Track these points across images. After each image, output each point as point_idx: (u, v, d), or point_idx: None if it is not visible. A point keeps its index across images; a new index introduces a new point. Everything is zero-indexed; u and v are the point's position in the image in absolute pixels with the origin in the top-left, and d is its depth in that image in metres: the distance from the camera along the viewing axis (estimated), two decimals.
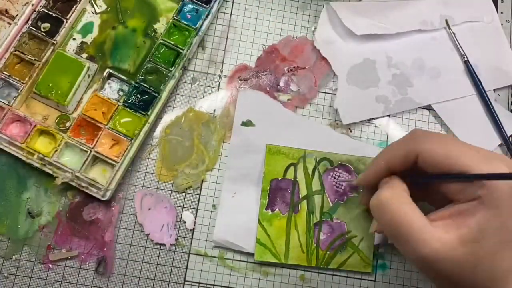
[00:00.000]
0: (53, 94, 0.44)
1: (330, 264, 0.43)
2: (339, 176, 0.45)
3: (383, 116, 0.48)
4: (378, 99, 0.48)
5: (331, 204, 0.44)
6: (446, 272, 0.30)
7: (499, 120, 0.47)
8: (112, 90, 0.46)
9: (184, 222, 0.44)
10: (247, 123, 0.46)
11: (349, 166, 0.45)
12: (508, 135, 0.47)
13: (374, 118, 0.48)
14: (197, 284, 0.43)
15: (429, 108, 0.48)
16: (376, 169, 0.35)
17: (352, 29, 0.47)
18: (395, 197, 0.32)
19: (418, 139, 0.33)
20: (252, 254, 0.43)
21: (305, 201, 0.44)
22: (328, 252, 0.43)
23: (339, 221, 0.44)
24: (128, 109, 0.44)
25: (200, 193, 0.45)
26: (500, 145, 0.48)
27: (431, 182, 0.34)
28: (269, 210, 0.44)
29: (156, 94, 0.45)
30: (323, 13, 0.49)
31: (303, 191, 0.44)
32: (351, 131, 0.47)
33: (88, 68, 0.45)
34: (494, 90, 0.49)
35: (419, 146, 0.32)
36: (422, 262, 0.30)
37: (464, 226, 0.30)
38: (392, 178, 0.35)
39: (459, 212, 0.31)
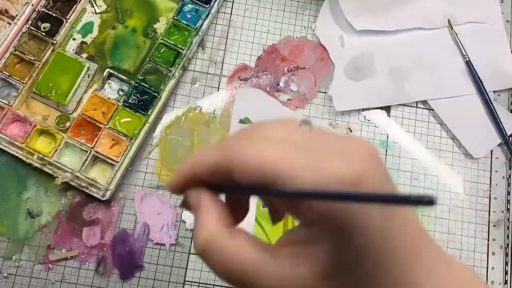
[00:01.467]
0: (53, 94, 0.44)
1: None
2: None
3: (377, 108, 0.48)
4: (373, 90, 0.48)
5: None
6: None
7: (499, 120, 0.47)
8: (112, 90, 0.46)
9: (184, 222, 0.44)
10: (245, 121, 0.46)
11: None
12: (508, 135, 0.47)
13: (371, 109, 0.48)
14: (197, 284, 0.43)
15: (429, 108, 0.48)
16: (183, 176, 0.25)
17: (353, 24, 0.48)
18: (212, 242, 0.23)
19: (229, 146, 0.23)
20: None
21: None
22: None
23: None
24: (128, 109, 0.44)
25: None
26: (499, 145, 0.48)
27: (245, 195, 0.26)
28: (266, 208, 0.44)
29: (156, 94, 0.45)
30: (326, 3, 0.49)
31: None
32: (351, 131, 0.47)
33: (88, 68, 0.45)
34: (494, 91, 0.49)
35: (229, 156, 0.23)
36: None
37: (314, 258, 0.22)
38: (202, 198, 0.25)
39: (305, 239, 0.22)
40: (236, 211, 0.26)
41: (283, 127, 0.23)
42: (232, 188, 0.24)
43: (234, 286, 0.24)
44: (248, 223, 0.44)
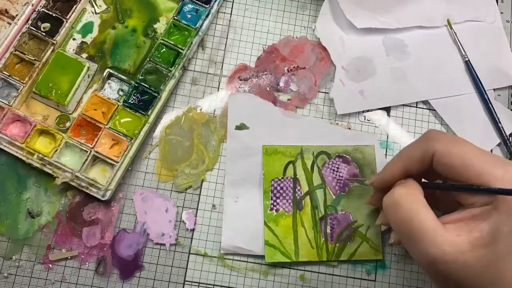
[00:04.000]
0: (53, 94, 0.44)
1: (340, 256, 0.43)
2: (338, 168, 0.45)
3: (378, 109, 0.48)
4: (374, 91, 0.48)
5: (333, 197, 0.44)
6: (454, 276, 0.30)
7: (499, 120, 0.47)
8: (112, 90, 0.46)
9: (184, 222, 0.44)
10: (241, 127, 0.46)
11: (347, 156, 0.45)
12: (508, 135, 0.47)
13: (369, 110, 0.48)
14: (197, 284, 0.43)
15: (429, 108, 0.49)
16: (393, 170, 0.35)
17: (353, 22, 0.48)
18: (410, 196, 0.32)
19: (433, 139, 0.33)
20: (256, 255, 0.43)
21: (308, 197, 0.44)
22: (337, 245, 0.43)
23: (343, 212, 0.44)
24: (128, 109, 0.44)
25: (200, 193, 0.45)
26: (499, 145, 0.48)
27: (446, 190, 0.34)
28: (274, 211, 0.44)
29: (156, 94, 0.45)
30: (325, 3, 0.49)
31: (304, 188, 0.44)
32: (350, 129, 0.47)
33: (88, 68, 0.45)
34: (494, 89, 0.49)
35: (435, 146, 0.32)
36: (430, 263, 0.30)
37: (476, 230, 0.30)
38: (408, 179, 0.34)
39: (471, 216, 0.31)
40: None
41: (465, 140, 0.33)
42: (432, 183, 0.34)
43: (404, 237, 0.32)
44: (257, 227, 0.44)
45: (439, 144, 0.32)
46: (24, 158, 0.43)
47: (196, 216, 0.45)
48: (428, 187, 0.34)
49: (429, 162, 0.33)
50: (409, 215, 0.31)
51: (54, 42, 0.45)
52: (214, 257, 0.44)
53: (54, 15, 0.46)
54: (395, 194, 0.33)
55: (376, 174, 0.38)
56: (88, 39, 0.47)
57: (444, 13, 0.50)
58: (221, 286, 0.43)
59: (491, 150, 0.48)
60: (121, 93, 0.46)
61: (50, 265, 0.43)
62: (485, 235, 0.29)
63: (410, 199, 0.32)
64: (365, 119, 0.48)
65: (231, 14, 0.50)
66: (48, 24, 0.46)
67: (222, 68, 0.48)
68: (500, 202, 0.29)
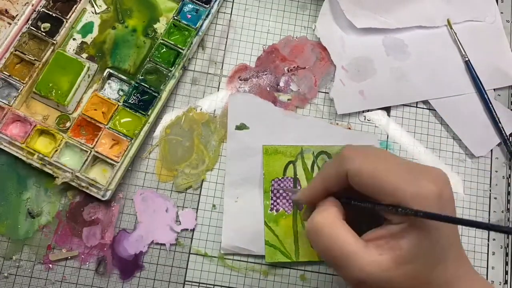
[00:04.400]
0: (53, 94, 0.44)
1: None
2: None
3: (378, 109, 0.48)
4: (374, 91, 0.48)
5: None
6: None
7: (499, 120, 0.47)
8: (112, 90, 0.46)
9: (184, 222, 0.44)
10: (241, 127, 0.46)
11: None
12: (508, 134, 0.47)
13: (369, 110, 0.48)
14: (197, 284, 0.43)
15: (429, 108, 0.49)
16: (314, 188, 0.34)
17: (353, 22, 0.48)
18: (328, 222, 0.32)
19: (346, 158, 0.32)
20: (256, 255, 0.43)
21: None
22: None
23: None
24: (128, 109, 0.44)
25: (200, 193, 0.45)
26: (499, 145, 0.48)
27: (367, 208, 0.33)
28: (274, 211, 0.44)
29: (156, 94, 0.45)
30: (325, 3, 0.49)
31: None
32: (350, 129, 0.47)
33: (88, 68, 0.45)
34: (494, 89, 0.49)
35: (348, 165, 0.31)
36: (359, 285, 0.30)
37: (397, 247, 0.30)
38: (326, 201, 0.34)
39: (391, 233, 0.30)
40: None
41: (385, 151, 0.33)
42: (352, 199, 0.33)
43: (329, 263, 0.32)
44: (257, 227, 0.44)
45: (351, 163, 0.31)
46: (24, 158, 0.43)
47: (196, 216, 0.44)
48: (350, 204, 0.34)
49: (344, 180, 0.32)
50: (330, 241, 0.31)
51: (54, 42, 0.45)
52: (214, 257, 0.44)
53: (54, 15, 0.46)
54: (314, 220, 0.32)
55: (300, 190, 0.37)
56: (88, 39, 0.47)
57: (444, 13, 0.50)
58: (221, 286, 0.43)
59: (491, 150, 0.48)
60: (121, 93, 0.46)
61: (50, 265, 0.43)
62: (405, 252, 0.29)
63: (328, 225, 0.31)
64: (365, 119, 0.48)
65: (231, 14, 0.50)
66: (48, 24, 0.46)
67: (222, 68, 0.48)
68: (415, 219, 0.29)
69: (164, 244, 0.44)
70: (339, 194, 0.34)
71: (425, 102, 0.49)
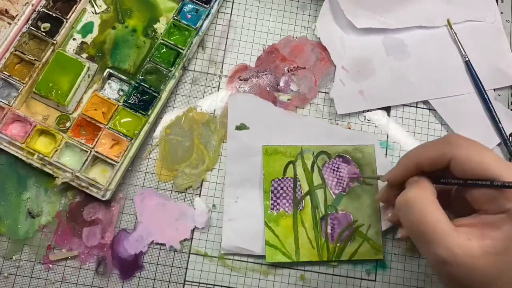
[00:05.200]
0: (53, 94, 0.44)
1: (341, 256, 0.43)
2: (338, 168, 0.45)
3: (378, 109, 0.48)
4: (374, 91, 0.48)
5: (334, 197, 0.44)
6: (462, 278, 0.30)
7: (499, 120, 0.47)
8: (112, 90, 0.46)
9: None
10: (241, 127, 0.46)
11: (347, 156, 0.45)
12: (508, 135, 0.47)
13: (369, 110, 0.48)
14: (197, 284, 0.43)
15: (429, 108, 0.49)
16: (405, 167, 0.36)
17: (353, 22, 0.48)
18: (423, 197, 0.32)
19: (453, 143, 0.33)
20: (256, 255, 0.43)
21: (308, 197, 0.44)
22: (338, 244, 0.43)
23: (344, 212, 0.44)
24: (128, 109, 0.44)
25: (200, 193, 0.45)
26: (499, 145, 0.48)
27: (460, 188, 0.34)
28: (274, 211, 0.44)
29: (156, 94, 0.45)
30: (325, 3, 0.49)
31: (305, 188, 0.44)
32: (350, 129, 0.47)
33: (88, 68, 0.45)
34: (494, 89, 0.49)
35: (454, 150, 0.32)
36: (440, 264, 0.31)
37: (489, 237, 0.30)
38: (421, 178, 0.35)
39: (485, 222, 0.31)
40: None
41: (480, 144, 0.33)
42: (450, 180, 0.34)
43: (415, 238, 0.32)
44: (257, 227, 0.44)
45: (459, 150, 0.32)
46: (24, 158, 0.43)
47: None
48: (441, 183, 0.34)
49: (445, 164, 0.33)
50: (421, 216, 0.31)
51: (54, 42, 0.45)
52: (214, 257, 0.44)
53: (54, 15, 0.46)
54: (408, 194, 0.33)
55: (390, 170, 0.38)
56: (88, 39, 0.47)
57: (444, 13, 0.50)
58: (221, 286, 0.43)
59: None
60: (121, 93, 0.46)
61: (50, 265, 0.43)
62: (497, 243, 0.29)
63: (423, 200, 0.32)
64: (365, 119, 0.48)
65: (231, 14, 0.50)
66: (48, 24, 0.46)
67: (222, 68, 0.48)
68: (510, 208, 0.30)
69: (164, 244, 0.44)
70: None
71: (425, 102, 0.49)
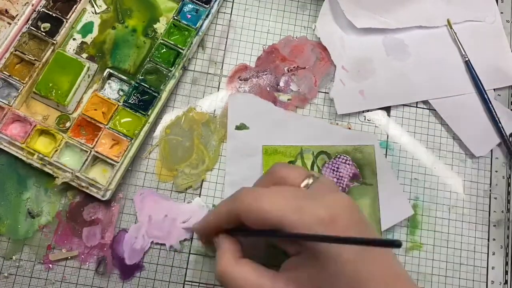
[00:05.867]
0: (53, 94, 0.44)
1: None
2: (338, 168, 0.45)
3: (377, 108, 0.48)
4: (374, 91, 0.48)
5: None
6: None
7: (499, 120, 0.47)
8: (112, 90, 0.46)
9: (184, 223, 0.44)
10: (241, 127, 0.46)
11: (347, 156, 0.45)
12: (508, 135, 0.47)
13: (369, 110, 0.48)
14: (197, 284, 0.43)
15: (429, 108, 0.49)
16: (208, 224, 0.35)
17: (353, 22, 0.48)
18: (227, 268, 0.32)
19: (237, 199, 0.32)
20: None
21: None
22: None
23: None
24: (128, 109, 0.44)
25: (200, 193, 0.45)
26: (499, 145, 0.48)
27: (256, 237, 0.34)
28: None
29: (156, 94, 0.45)
30: (325, 3, 0.49)
31: None
32: (350, 129, 0.47)
33: (88, 68, 0.45)
34: (494, 89, 0.49)
35: (239, 206, 0.32)
36: None
37: (300, 278, 0.30)
38: (220, 238, 0.34)
39: (294, 265, 0.31)
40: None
41: (284, 189, 0.32)
42: (244, 231, 0.33)
43: None
44: None
45: (241, 205, 0.32)
46: (24, 158, 0.43)
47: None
48: (239, 235, 0.34)
49: (237, 220, 0.32)
50: (236, 285, 0.31)
51: (54, 42, 0.45)
52: (214, 257, 0.44)
53: (54, 15, 0.46)
54: (216, 272, 0.33)
55: (196, 224, 0.38)
56: (88, 39, 0.47)
57: (444, 13, 0.50)
58: (221, 286, 0.43)
59: (491, 151, 0.48)
60: (121, 93, 0.46)
61: (50, 265, 0.43)
62: (306, 282, 0.29)
63: (228, 271, 0.32)
64: (365, 119, 0.48)
65: (231, 14, 0.50)
66: (48, 24, 0.46)
67: (222, 68, 0.48)
68: (307, 248, 0.30)
69: (164, 244, 0.44)
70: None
71: (425, 102, 0.49)
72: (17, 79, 0.44)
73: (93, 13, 0.48)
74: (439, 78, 0.49)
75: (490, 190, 0.47)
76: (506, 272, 0.45)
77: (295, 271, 0.31)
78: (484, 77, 0.48)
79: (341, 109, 0.47)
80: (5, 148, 0.43)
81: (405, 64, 0.49)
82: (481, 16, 0.50)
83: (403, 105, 0.48)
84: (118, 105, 0.44)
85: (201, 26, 0.47)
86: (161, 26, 0.47)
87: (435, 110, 0.48)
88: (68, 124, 0.44)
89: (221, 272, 0.32)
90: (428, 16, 0.50)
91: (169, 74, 0.45)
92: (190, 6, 0.47)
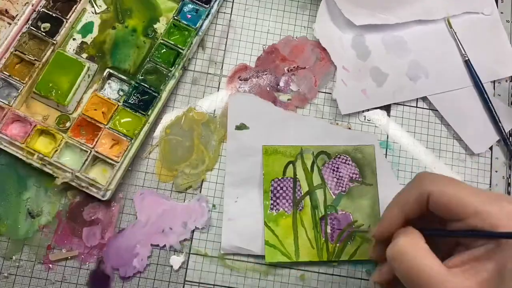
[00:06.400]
0: (53, 94, 0.44)
1: (341, 256, 0.43)
2: (338, 168, 0.45)
3: (377, 108, 0.48)
4: (376, 89, 0.48)
5: (333, 197, 0.44)
6: None
7: (498, 119, 0.47)
8: (112, 90, 0.46)
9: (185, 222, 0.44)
10: (241, 127, 0.46)
11: (347, 156, 0.45)
12: (507, 132, 0.47)
13: (372, 109, 0.48)
14: (197, 284, 0.43)
15: (429, 108, 0.49)
16: (391, 218, 0.35)
17: (351, 19, 0.48)
18: (413, 244, 0.32)
19: (426, 180, 0.33)
20: (256, 255, 0.43)
21: (308, 197, 0.44)
22: (337, 245, 0.43)
23: (344, 212, 0.44)
24: (128, 109, 0.44)
25: (200, 193, 0.45)
26: (498, 142, 0.48)
27: (447, 233, 0.33)
28: (274, 211, 0.44)
29: (156, 94, 0.45)
30: (323, 4, 0.49)
31: (304, 188, 0.44)
32: (350, 129, 0.47)
33: (88, 68, 0.45)
34: (494, 87, 0.49)
35: (429, 187, 0.32)
36: None
37: (483, 271, 0.29)
38: (407, 227, 0.34)
39: (475, 257, 0.30)
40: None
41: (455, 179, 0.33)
42: (432, 229, 0.33)
43: (411, 284, 0.31)
44: (257, 227, 0.44)
45: (434, 185, 0.32)
46: (24, 158, 0.43)
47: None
48: (429, 234, 0.33)
49: (425, 204, 0.33)
50: (415, 264, 0.31)
51: (54, 42, 0.45)
52: (214, 257, 0.44)
53: (54, 15, 0.46)
54: (399, 243, 0.32)
55: (377, 225, 0.37)
56: (88, 39, 0.47)
57: (442, 5, 0.50)
58: (221, 286, 0.43)
59: (491, 151, 0.48)
60: (121, 93, 0.46)
61: (50, 265, 0.43)
62: (492, 275, 0.29)
63: (414, 247, 0.32)
64: (365, 119, 0.48)
65: (231, 14, 0.50)
66: (48, 24, 0.46)
67: (222, 68, 0.48)
68: (501, 240, 0.29)
69: (164, 244, 0.44)
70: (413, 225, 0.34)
71: (426, 102, 0.49)
72: (17, 79, 0.44)
73: (93, 13, 0.48)
74: (439, 74, 0.49)
75: (490, 190, 0.47)
76: None
77: (472, 264, 0.30)
78: (483, 70, 0.48)
79: (344, 109, 0.47)
80: (5, 148, 0.43)
81: (405, 61, 0.49)
82: (479, 8, 0.51)
83: (403, 104, 0.48)
84: (118, 105, 0.44)
85: (201, 26, 0.47)
86: (161, 26, 0.47)
87: (435, 110, 0.48)
88: (68, 124, 0.44)
89: (404, 247, 0.31)
90: (426, 8, 0.50)
91: (169, 74, 0.45)
92: (190, 6, 0.47)
